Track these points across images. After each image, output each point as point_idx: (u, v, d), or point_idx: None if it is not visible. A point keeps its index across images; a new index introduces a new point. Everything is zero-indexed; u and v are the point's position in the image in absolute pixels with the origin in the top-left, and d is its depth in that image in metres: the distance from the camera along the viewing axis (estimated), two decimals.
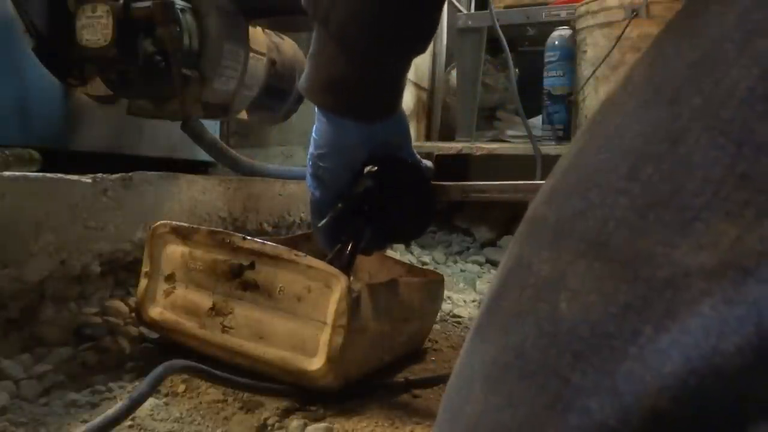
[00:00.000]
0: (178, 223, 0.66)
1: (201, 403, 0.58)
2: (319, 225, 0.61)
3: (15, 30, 0.79)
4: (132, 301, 0.77)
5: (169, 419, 0.55)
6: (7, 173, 0.63)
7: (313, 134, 0.58)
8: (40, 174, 0.67)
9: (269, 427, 0.55)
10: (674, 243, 0.18)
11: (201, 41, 0.83)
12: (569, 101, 1.59)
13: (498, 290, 0.24)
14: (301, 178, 1.06)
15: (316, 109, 0.57)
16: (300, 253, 0.59)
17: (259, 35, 0.96)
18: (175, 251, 0.65)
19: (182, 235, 0.65)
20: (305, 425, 0.54)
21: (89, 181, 0.70)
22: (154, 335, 0.70)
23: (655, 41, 0.24)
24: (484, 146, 1.62)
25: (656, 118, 0.21)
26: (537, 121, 1.67)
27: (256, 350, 0.59)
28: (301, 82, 0.55)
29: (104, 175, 0.73)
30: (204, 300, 0.62)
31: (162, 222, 0.66)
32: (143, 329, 0.72)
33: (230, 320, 0.61)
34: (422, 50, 0.55)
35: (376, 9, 0.48)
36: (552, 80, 1.61)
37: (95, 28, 0.78)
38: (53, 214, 0.66)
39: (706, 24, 0.21)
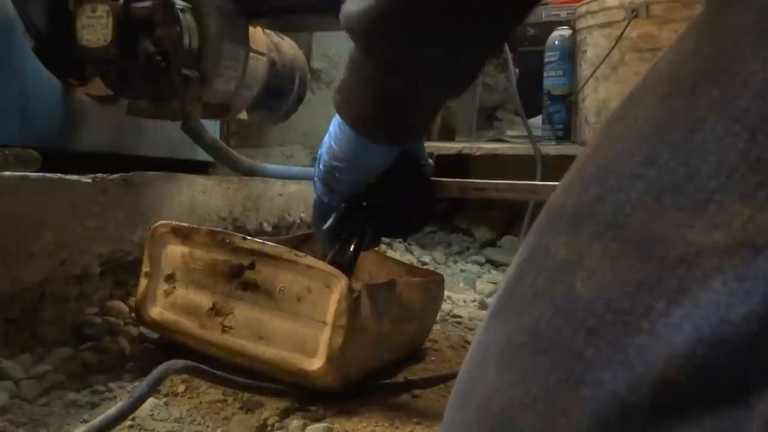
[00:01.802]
0: (178, 223, 0.66)
1: (201, 403, 0.58)
2: (324, 228, 0.61)
3: (15, 30, 0.79)
4: (132, 301, 0.77)
5: (169, 419, 0.55)
6: (7, 173, 0.63)
7: (331, 143, 0.55)
8: (40, 174, 0.67)
9: (269, 427, 0.55)
10: (688, 223, 0.19)
11: (201, 41, 0.83)
12: (569, 101, 1.59)
13: (515, 275, 0.24)
14: (300, 178, 1.05)
15: (337, 118, 0.54)
16: (300, 253, 0.59)
17: (259, 35, 0.96)
18: (175, 251, 0.65)
19: (182, 235, 0.64)
20: (305, 425, 0.54)
21: (89, 181, 0.70)
22: (154, 335, 0.70)
23: (676, 40, 0.25)
24: (484, 146, 1.62)
25: (674, 108, 0.21)
26: (537, 121, 1.67)
27: (256, 350, 0.59)
28: (337, 98, 0.52)
29: (104, 175, 0.73)
30: (204, 300, 0.62)
31: (162, 222, 0.66)
32: (143, 329, 0.72)
33: (230, 320, 0.61)
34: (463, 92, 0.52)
35: (432, 49, 0.44)
36: (552, 80, 1.61)
37: (95, 28, 0.78)
38: (53, 214, 0.66)
39: (725, 23, 0.22)
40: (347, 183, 0.57)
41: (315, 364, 0.56)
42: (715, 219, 0.18)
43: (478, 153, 1.60)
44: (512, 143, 1.70)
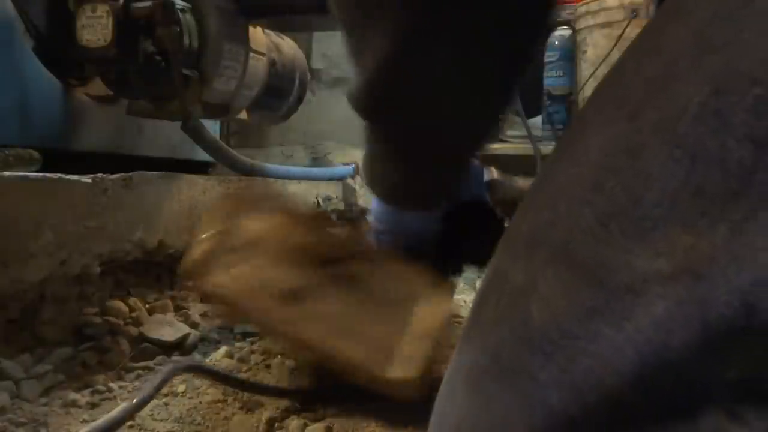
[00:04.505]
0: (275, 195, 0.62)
1: (201, 403, 0.58)
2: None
3: (15, 30, 0.79)
4: (132, 301, 0.77)
5: (169, 419, 0.55)
6: (7, 173, 0.63)
7: (375, 205, 0.54)
8: (40, 174, 0.67)
9: (269, 427, 0.55)
10: (634, 251, 0.19)
11: (201, 41, 0.83)
12: (569, 101, 1.59)
13: (480, 299, 0.26)
14: (300, 178, 1.06)
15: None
16: (411, 261, 0.56)
17: (259, 35, 0.96)
18: (266, 220, 0.57)
19: (281, 209, 0.57)
20: (305, 425, 0.54)
21: (89, 181, 0.70)
22: (165, 337, 0.70)
23: (620, 58, 0.25)
24: None
25: (617, 132, 0.22)
26: (537, 121, 1.67)
27: (334, 347, 0.52)
28: (366, 172, 0.51)
29: (104, 175, 0.73)
30: (287, 281, 0.54)
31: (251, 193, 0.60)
32: (142, 330, 0.72)
33: (311, 309, 0.54)
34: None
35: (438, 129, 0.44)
36: (552, 80, 1.61)
37: (95, 28, 0.78)
38: (53, 214, 0.66)
39: (663, 41, 0.22)
40: (397, 243, 0.56)
41: (399, 372, 0.52)
42: (659, 246, 0.19)
43: None
44: (512, 143, 1.70)
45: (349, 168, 1.37)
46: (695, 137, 0.19)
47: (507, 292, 0.23)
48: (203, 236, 0.56)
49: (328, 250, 0.55)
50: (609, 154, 0.22)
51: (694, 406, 0.17)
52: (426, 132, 0.44)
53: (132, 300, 0.77)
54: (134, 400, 0.48)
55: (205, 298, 0.59)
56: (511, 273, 0.24)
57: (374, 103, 0.42)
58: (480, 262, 0.65)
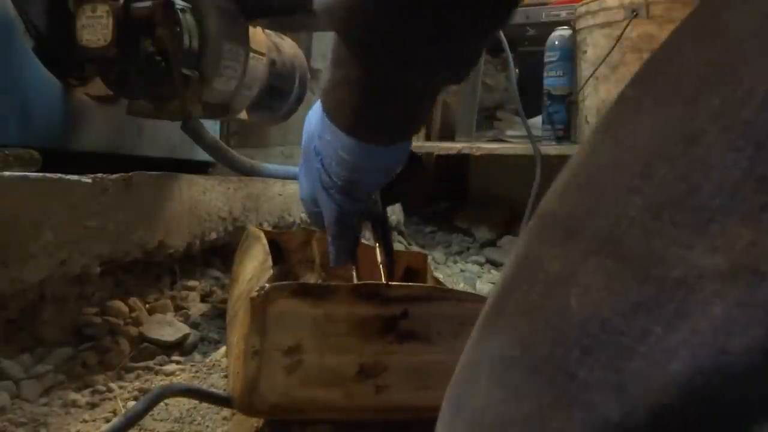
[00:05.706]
0: (301, 282, 0.57)
1: (201, 403, 0.58)
2: (352, 235, 0.56)
3: (15, 30, 0.79)
4: (132, 301, 0.77)
5: (169, 419, 0.55)
6: (7, 173, 0.63)
7: (341, 153, 0.48)
8: (40, 174, 0.67)
9: (269, 428, 0.55)
10: (688, 244, 0.18)
11: (201, 41, 0.83)
12: (569, 101, 1.59)
13: (507, 285, 0.24)
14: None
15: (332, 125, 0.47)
16: (449, 288, 0.56)
17: (259, 35, 0.96)
18: (300, 316, 0.52)
19: (312, 295, 0.53)
20: (306, 426, 0.54)
21: (89, 181, 0.70)
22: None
23: (672, 36, 0.24)
24: (484, 146, 1.62)
25: (672, 116, 0.20)
26: (537, 121, 1.67)
27: (419, 401, 0.53)
28: (330, 107, 0.46)
29: (104, 175, 0.73)
30: (348, 364, 0.53)
31: (275, 285, 0.52)
32: (142, 330, 0.72)
33: (384, 378, 0.53)
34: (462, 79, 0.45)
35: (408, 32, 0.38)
36: (552, 80, 1.61)
37: (95, 28, 0.78)
38: (53, 214, 0.66)
39: (727, 21, 0.21)
40: (372, 188, 0.52)
41: None
42: (716, 241, 0.17)
43: (478, 153, 1.60)
44: (512, 143, 1.70)
45: None
46: (761, 126, 0.18)
47: (541, 281, 0.22)
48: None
49: (384, 315, 0.53)
50: (661, 138, 0.20)
51: (750, 421, 0.16)
52: (412, 60, 0.39)
53: (132, 300, 0.77)
54: (124, 417, 0.47)
55: (266, 415, 0.55)
56: (545, 260, 0.22)
57: (360, 25, 0.36)
58: (411, 202, 0.64)
